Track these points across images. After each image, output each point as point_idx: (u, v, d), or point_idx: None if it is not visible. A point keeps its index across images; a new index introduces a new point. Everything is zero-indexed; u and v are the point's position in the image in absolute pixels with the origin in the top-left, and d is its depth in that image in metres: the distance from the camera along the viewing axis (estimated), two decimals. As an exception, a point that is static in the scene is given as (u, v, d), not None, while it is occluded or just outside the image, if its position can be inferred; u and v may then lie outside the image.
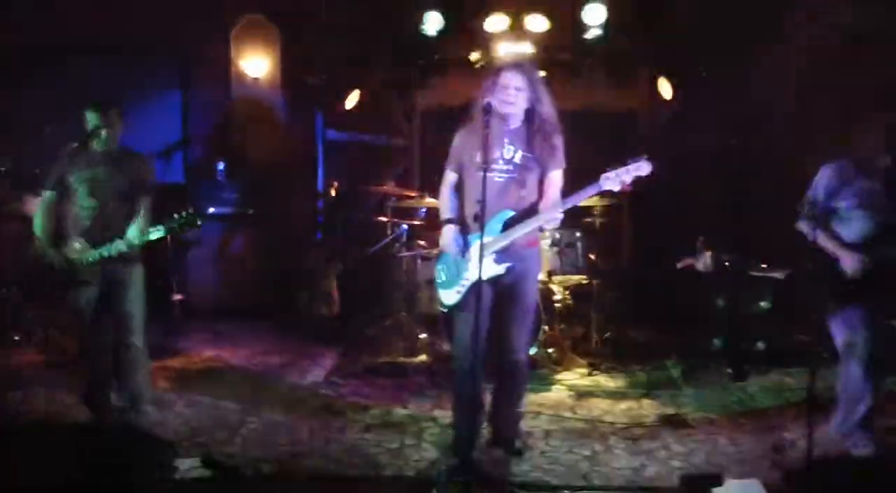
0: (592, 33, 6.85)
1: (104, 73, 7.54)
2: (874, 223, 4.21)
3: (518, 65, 4.21)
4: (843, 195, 4.26)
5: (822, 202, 4.32)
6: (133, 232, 4.33)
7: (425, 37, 7.01)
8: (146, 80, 7.73)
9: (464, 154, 4.26)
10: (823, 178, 4.35)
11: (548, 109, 4.20)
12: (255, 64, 7.66)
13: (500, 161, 4.09)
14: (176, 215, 4.29)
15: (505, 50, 7.15)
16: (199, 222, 4.29)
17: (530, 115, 4.17)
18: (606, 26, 6.78)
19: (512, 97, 4.09)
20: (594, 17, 6.71)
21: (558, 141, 4.21)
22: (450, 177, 4.35)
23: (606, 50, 7.07)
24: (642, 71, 7.43)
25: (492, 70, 4.23)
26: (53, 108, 7.05)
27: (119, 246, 4.30)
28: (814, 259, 4.34)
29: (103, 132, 4.38)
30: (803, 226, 4.34)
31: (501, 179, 4.09)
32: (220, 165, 7.52)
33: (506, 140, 4.10)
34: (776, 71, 7.11)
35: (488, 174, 3.99)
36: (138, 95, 7.48)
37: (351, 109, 7.54)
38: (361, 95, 7.52)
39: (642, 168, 3.90)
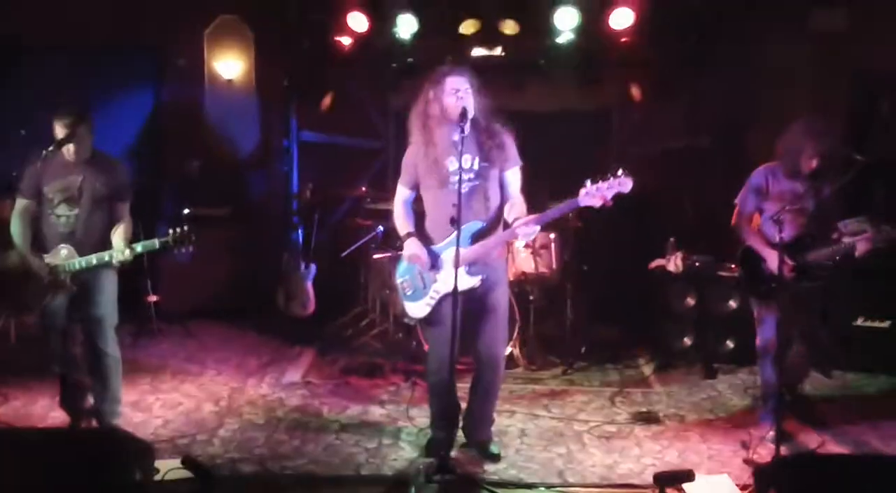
0: (564, 37, 6.92)
1: (77, 71, 7.50)
2: (798, 227, 4.37)
3: (460, 69, 4.17)
4: (771, 197, 4.44)
5: (752, 204, 4.49)
6: (118, 241, 4.29)
7: (399, 40, 7.04)
8: (118, 78, 7.68)
9: (418, 169, 4.22)
10: (753, 180, 4.53)
11: (489, 110, 4.17)
12: (229, 65, 7.65)
13: (462, 171, 4.02)
14: (171, 231, 4.25)
15: (477, 54, 7.22)
16: (193, 239, 4.24)
17: (475, 119, 4.11)
18: (578, 30, 6.85)
19: (461, 101, 4.04)
20: (565, 21, 6.79)
21: (508, 139, 4.20)
22: (403, 193, 4.32)
23: (578, 53, 7.14)
24: (613, 73, 7.51)
25: (434, 78, 4.14)
26: (26, 107, 7.03)
27: (109, 256, 4.24)
28: (744, 260, 4.53)
29: (72, 147, 4.30)
30: (739, 227, 4.53)
31: (465, 189, 4.03)
32: (194, 165, 7.51)
33: (462, 148, 4.02)
34: (748, 71, 7.25)
35: (452, 186, 4.01)
36: (110, 93, 7.44)
37: (325, 111, 7.56)
38: (336, 97, 7.55)
39: (623, 184, 3.83)
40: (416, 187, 4.30)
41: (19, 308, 4.50)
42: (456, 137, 4.04)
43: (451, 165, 4.09)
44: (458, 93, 4.06)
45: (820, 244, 4.37)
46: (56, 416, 4.82)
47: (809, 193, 4.38)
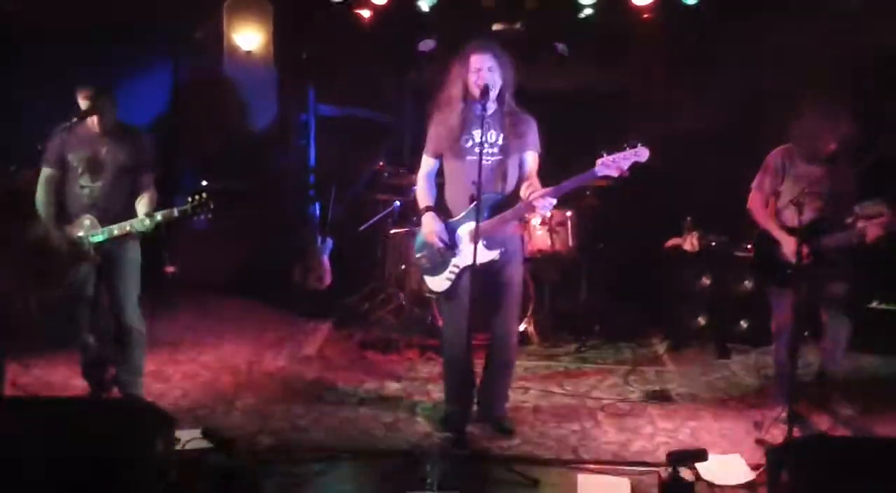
0: (584, 13, 6.89)
1: (94, 47, 7.49)
2: (814, 211, 4.34)
3: (486, 45, 4.16)
4: (788, 179, 4.40)
5: (769, 186, 4.46)
6: (143, 211, 4.33)
7: (419, 12, 7.01)
8: (137, 52, 7.67)
9: (443, 140, 4.25)
10: (770, 162, 4.49)
11: (514, 89, 4.18)
12: (248, 37, 7.65)
13: (486, 145, 4.08)
14: (189, 199, 4.27)
15: (497, 28, 7.19)
16: (212, 206, 4.26)
17: (501, 97, 4.15)
18: (599, 6, 6.82)
19: (486, 78, 4.06)
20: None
21: (532, 123, 4.23)
22: (429, 163, 4.35)
23: (598, 30, 7.10)
24: (633, 51, 7.47)
25: (461, 53, 4.17)
26: (45, 84, 7.05)
27: (134, 225, 4.28)
28: (759, 244, 4.51)
29: (95, 118, 4.35)
30: (754, 212, 4.51)
31: (487, 163, 4.09)
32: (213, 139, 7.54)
33: (486, 124, 4.06)
34: (769, 52, 7.19)
35: (473, 158, 4.04)
36: (128, 67, 7.43)
37: (344, 85, 7.55)
38: (354, 71, 7.54)
39: (640, 154, 3.87)
40: (440, 157, 4.32)
41: (45, 283, 4.54)
42: (478, 113, 4.06)
43: (474, 138, 4.12)
44: (480, 71, 4.07)
45: (836, 229, 4.34)
46: (77, 385, 4.89)
47: (826, 177, 4.34)
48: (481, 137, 4.06)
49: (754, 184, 4.59)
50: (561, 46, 7.24)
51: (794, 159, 4.43)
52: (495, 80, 4.09)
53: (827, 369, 4.66)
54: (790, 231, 4.32)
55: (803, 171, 4.40)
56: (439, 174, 4.42)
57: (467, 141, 4.16)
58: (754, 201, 4.58)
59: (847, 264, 4.39)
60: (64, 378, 5.05)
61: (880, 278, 5.82)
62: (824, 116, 4.30)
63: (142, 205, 4.40)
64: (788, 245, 4.30)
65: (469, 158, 4.14)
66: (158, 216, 4.27)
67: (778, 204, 4.50)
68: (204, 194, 4.29)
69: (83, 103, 4.32)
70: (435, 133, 4.30)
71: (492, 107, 4.12)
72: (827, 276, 4.39)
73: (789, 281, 4.33)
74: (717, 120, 7.28)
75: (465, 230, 4.20)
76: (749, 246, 6.04)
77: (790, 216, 4.27)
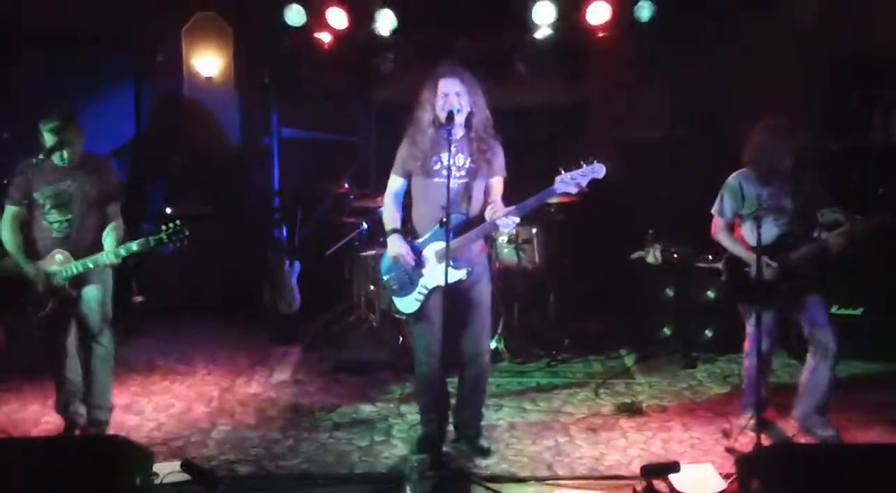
0: (542, 32, 7.01)
1: (56, 69, 7.47)
2: (779, 227, 4.44)
3: (455, 71, 4.25)
4: (747, 201, 4.45)
5: (731, 210, 4.53)
6: (110, 243, 4.33)
7: (379, 36, 7.09)
8: (99, 76, 7.65)
9: (412, 161, 4.31)
10: (728, 187, 4.55)
11: (484, 114, 4.28)
12: (208, 62, 7.65)
13: (454, 168, 4.15)
14: (164, 226, 4.27)
15: (457, 48, 7.28)
16: (187, 233, 4.27)
17: (469, 121, 4.24)
18: (556, 25, 6.94)
19: (453, 103, 4.15)
20: (544, 16, 6.87)
21: (498, 149, 4.33)
22: (397, 182, 4.40)
23: (556, 48, 7.24)
24: (591, 68, 7.62)
25: (430, 78, 4.27)
26: (6, 111, 7.02)
27: (103, 259, 4.27)
28: (729, 267, 4.57)
29: (64, 151, 4.30)
30: (721, 238, 4.58)
31: (455, 185, 4.15)
32: (176, 164, 7.53)
33: (454, 147, 4.14)
34: (727, 64, 7.39)
35: (441, 181, 4.12)
36: (91, 91, 7.41)
37: (306, 107, 7.59)
38: (317, 94, 7.58)
39: (597, 171, 4.04)
40: (408, 177, 4.38)
41: (20, 316, 4.49)
42: (445, 137, 4.13)
43: (442, 161, 4.19)
44: (447, 96, 4.16)
45: (802, 243, 4.41)
46: (49, 420, 4.87)
47: (786, 192, 4.42)
48: (449, 161, 4.13)
49: (714, 209, 4.63)
50: (519, 65, 7.36)
51: (751, 181, 4.47)
52: (462, 105, 4.18)
53: (795, 414, 4.62)
54: (757, 250, 4.40)
55: (761, 191, 4.43)
56: (405, 194, 4.48)
57: (436, 163, 4.23)
58: (716, 226, 4.63)
59: (817, 276, 4.44)
60: (35, 414, 5.01)
61: (837, 283, 5.99)
62: (775, 134, 4.38)
63: (108, 238, 4.38)
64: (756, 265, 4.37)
65: (437, 180, 4.21)
66: (134, 246, 4.26)
67: (741, 227, 4.56)
68: (178, 222, 4.30)
69: (49, 137, 4.28)
70: (405, 154, 4.36)
71: (459, 131, 4.21)
72: (800, 289, 4.44)
73: (762, 299, 4.34)
74: (675, 131, 7.45)
75: (431, 251, 4.27)
76: (710, 256, 6.22)
77: (754, 237, 4.37)
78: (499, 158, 4.33)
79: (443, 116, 4.15)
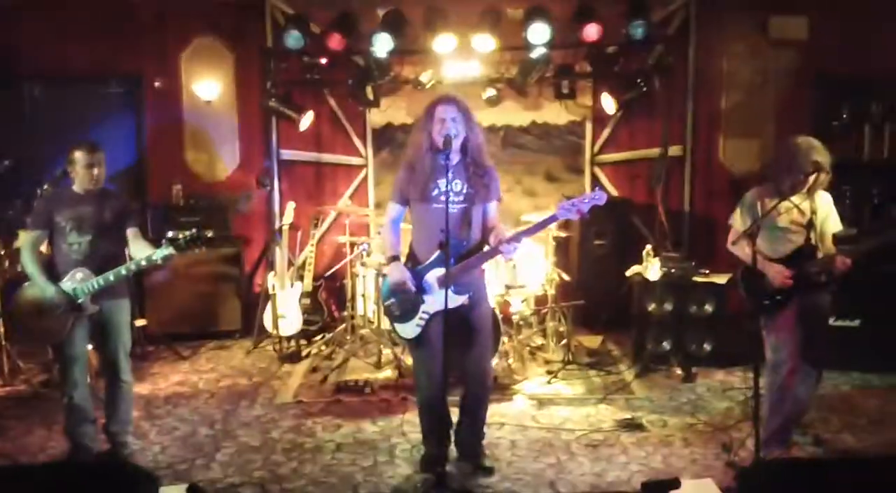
0: (537, 52, 7.10)
1: (56, 97, 7.56)
2: (794, 241, 4.46)
3: (450, 98, 4.35)
4: (764, 217, 4.45)
5: (746, 225, 4.55)
6: (139, 253, 4.48)
7: (377, 58, 7.18)
8: (99, 104, 7.74)
9: (410, 187, 4.37)
10: (747, 199, 4.61)
11: (480, 139, 4.37)
12: (207, 87, 7.72)
13: (451, 194, 4.23)
14: (181, 235, 4.37)
15: (453, 69, 7.38)
16: (203, 239, 4.39)
17: (464, 146, 4.32)
18: (550, 44, 7.03)
19: (449, 129, 4.22)
20: (538, 36, 6.96)
21: (494, 173, 4.41)
22: (395, 209, 4.46)
23: (551, 67, 7.34)
24: (586, 86, 7.72)
25: (428, 105, 4.36)
26: (8, 139, 7.10)
27: (127, 269, 4.43)
28: (746, 279, 4.60)
29: (95, 171, 4.53)
30: (734, 249, 4.62)
31: (453, 211, 4.23)
32: (176, 190, 7.58)
33: (451, 173, 4.23)
34: (716, 81, 7.50)
35: (439, 206, 4.18)
36: (91, 119, 7.49)
37: (305, 130, 7.67)
38: (315, 116, 7.66)
39: (599, 198, 4.13)
40: (406, 203, 4.44)
41: (44, 338, 4.80)
42: (442, 163, 4.20)
43: (440, 187, 4.25)
44: (444, 122, 4.23)
45: (815, 257, 4.43)
46: (54, 445, 4.92)
47: (803, 208, 4.43)
48: (447, 187, 4.20)
49: (731, 221, 4.68)
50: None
51: (771, 195, 4.49)
52: (458, 131, 4.24)
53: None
54: (773, 260, 4.45)
55: (780, 205, 4.43)
56: (404, 220, 4.54)
57: (433, 189, 4.29)
58: (731, 237, 4.64)
59: (832, 282, 4.46)
60: (41, 440, 5.05)
61: (836, 295, 6.02)
62: (796, 150, 4.39)
63: (141, 246, 4.56)
64: (772, 269, 4.42)
65: (435, 205, 4.26)
66: (156, 256, 4.37)
67: (761, 238, 4.51)
68: (194, 230, 4.43)
69: (83, 159, 4.51)
70: (402, 180, 4.42)
71: (455, 157, 4.28)
72: (808, 302, 4.45)
73: (781, 304, 4.42)
74: (672, 145, 7.52)
75: (432, 276, 4.31)
76: (706, 271, 6.28)
77: (772, 249, 4.43)
78: (495, 183, 4.40)
79: (440, 141, 4.21)
